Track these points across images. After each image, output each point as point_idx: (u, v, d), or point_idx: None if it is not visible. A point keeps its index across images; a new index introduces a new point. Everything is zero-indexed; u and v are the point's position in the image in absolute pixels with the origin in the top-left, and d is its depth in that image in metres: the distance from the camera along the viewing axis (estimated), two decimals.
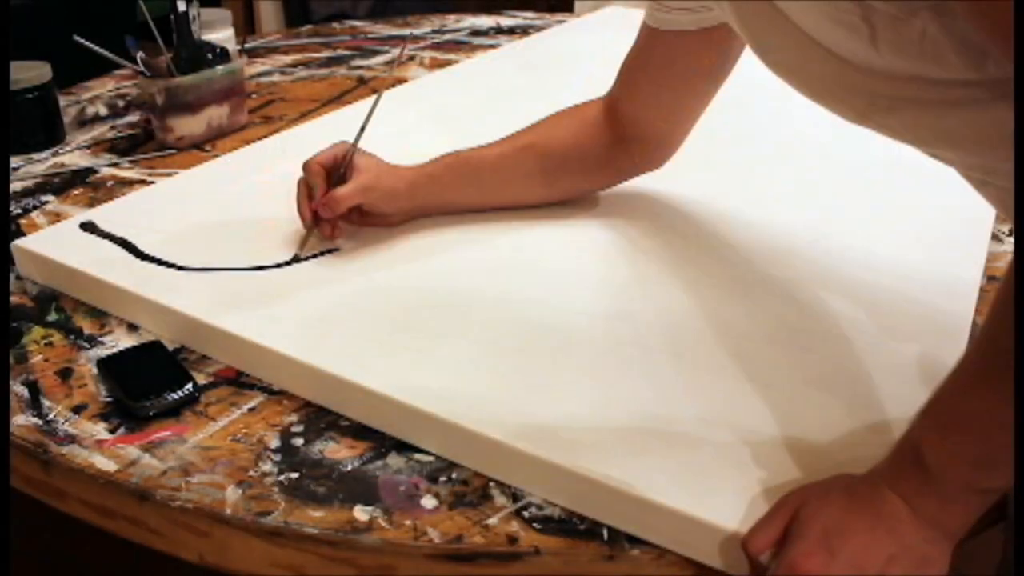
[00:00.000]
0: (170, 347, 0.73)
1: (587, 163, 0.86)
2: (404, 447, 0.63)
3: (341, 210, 0.79)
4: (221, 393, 0.69)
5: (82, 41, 1.00)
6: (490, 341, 0.70)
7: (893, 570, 0.49)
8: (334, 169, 0.80)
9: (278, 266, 0.80)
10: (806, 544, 0.50)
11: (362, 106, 1.18)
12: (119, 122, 1.18)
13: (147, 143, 1.12)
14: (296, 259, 0.80)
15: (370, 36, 1.55)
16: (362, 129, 0.82)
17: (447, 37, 1.54)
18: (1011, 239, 0.90)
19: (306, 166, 0.81)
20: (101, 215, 0.88)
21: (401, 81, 1.30)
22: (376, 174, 0.81)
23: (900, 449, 0.52)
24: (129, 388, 0.67)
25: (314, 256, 0.81)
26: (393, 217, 0.84)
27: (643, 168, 0.88)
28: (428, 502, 0.59)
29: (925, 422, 0.52)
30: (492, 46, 1.47)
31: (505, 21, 1.63)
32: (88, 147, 1.11)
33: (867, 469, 0.54)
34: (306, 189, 0.81)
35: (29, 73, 1.06)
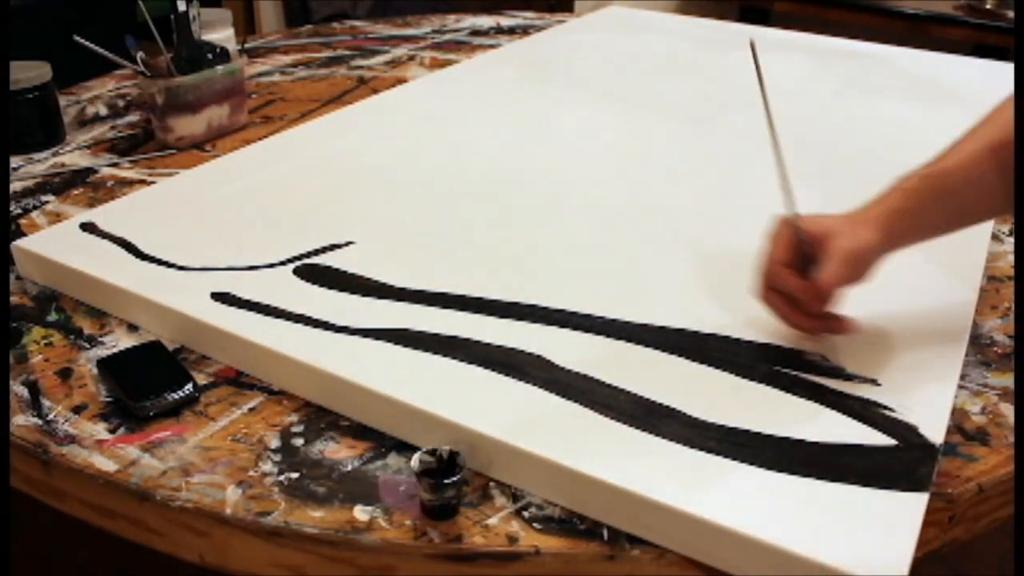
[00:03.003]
0: (170, 347, 0.73)
1: None
2: (404, 447, 0.63)
3: (833, 296, 0.66)
4: (221, 393, 0.69)
5: (82, 41, 1.00)
6: (494, 341, 0.70)
7: None
8: (795, 255, 0.67)
9: (273, 266, 0.80)
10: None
11: (362, 106, 1.19)
12: (119, 122, 1.18)
13: (147, 143, 1.12)
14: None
15: (370, 36, 1.55)
16: (788, 195, 0.67)
17: (447, 37, 1.54)
18: (1011, 239, 0.90)
19: (768, 274, 0.67)
20: (101, 215, 0.88)
21: (401, 81, 1.30)
22: (850, 235, 0.65)
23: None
24: (129, 388, 0.67)
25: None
26: (871, 270, 0.67)
27: None
28: None
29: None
30: (492, 46, 1.47)
31: (505, 21, 1.64)
32: (88, 147, 1.11)
33: (864, 468, 0.53)
34: (780, 297, 0.68)
35: (29, 73, 1.06)
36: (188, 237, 0.84)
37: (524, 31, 1.56)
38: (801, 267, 0.67)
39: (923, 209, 0.68)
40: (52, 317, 0.78)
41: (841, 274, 0.64)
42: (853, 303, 0.74)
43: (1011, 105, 0.70)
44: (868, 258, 0.66)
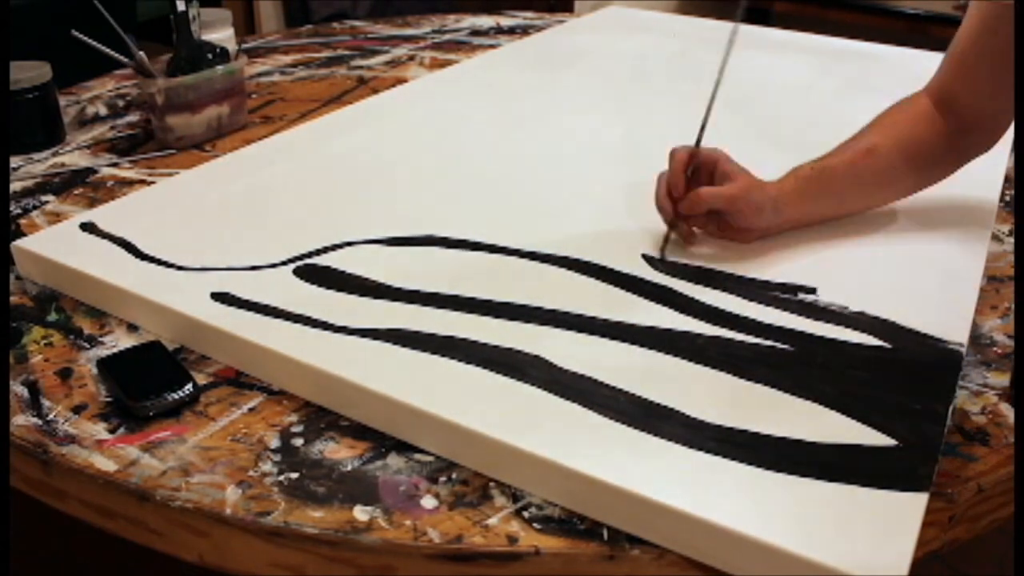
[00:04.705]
0: (170, 347, 0.73)
1: (930, 158, 0.84)
2: (404, 447, 0.63)
3: (701, 209, 0.79)
4: (221, 393, 0.69)
5: (81, 37, 1.00)
6: (493, 341, 0.70)
7: None
8: (703, 170, 0.80)
9: (273, 266, 0.80)
10: None
11: (362, 106, 1.19)
12: (119, 122, 1.18)
13: (147, 143, 1.12)
14: (662, 259, 0.79)
15: (370, 36, 1.55)
16: (702, 129, 0.80)
17: (447, 37, 1.54)
18: (1011, 239, 0.90)
19: (673, 154, 0.81)
20: (101, 215, 0.88)
21: (401, 81, 1.30)
22: (745, 186, 0.79)
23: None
24: (129, 388, 0.67)
25: (678, 264, 0.79)
26: (752, 233, 0.82)
27: (976, 154, 0.85)
28: (428, 502, 0.59)
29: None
30: (492, 46, 1.47)
31: (505, 21, 1.64)
32: (88, 147, 1.11)
33: (864, 468, 0.53)
34: (666, 184, 0.81)
35: (29, 73, 1.06)
36: (188, 237, 0.84)
37: (524, 31, 1.56)
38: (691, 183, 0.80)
39: (814, 196, 0.83)
40: (52, 317, 0.78)
41: (714, 198, 0.78)
42: (855, 302, 0.74)
43: (896, 111, 0.86)
44: (751, 204, 0.79)
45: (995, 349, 0.73)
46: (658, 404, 0.63)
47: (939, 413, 0.62)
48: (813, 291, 0.76)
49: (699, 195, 0.79)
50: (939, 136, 0.83)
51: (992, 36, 0.77)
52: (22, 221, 0.93)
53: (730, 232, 0.82)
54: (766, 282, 0.78)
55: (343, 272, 0.79)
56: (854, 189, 0.84)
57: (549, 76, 1.30)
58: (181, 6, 1.06)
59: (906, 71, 1.32)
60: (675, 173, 0.80)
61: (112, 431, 0.65)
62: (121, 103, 1.25)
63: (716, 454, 0.59)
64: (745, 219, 0.80)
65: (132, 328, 0.77)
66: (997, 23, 0.76)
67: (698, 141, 0.80)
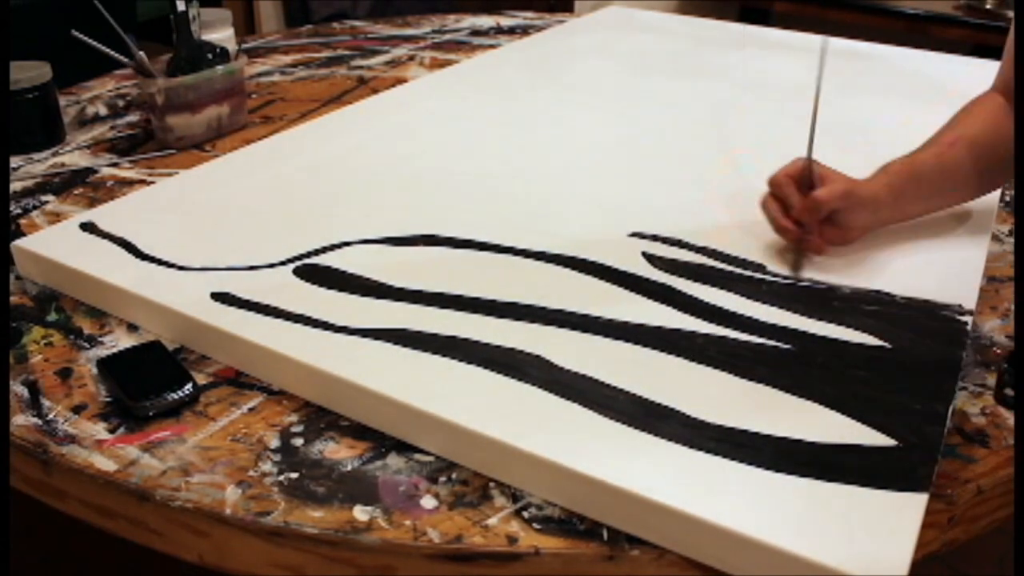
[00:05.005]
0: (170, 347, 0.73)
1: (1008, 152, 0.82)
2: (404, 447, 0.63)
3: (825, 212, 0.77)
4: (221, 393, 0.69)
5: (81, 37, 1.00)
6: (494, 341, 0.70)
7: None
8: (801, 181, 0.79)
9: (273, 266, 0.80)
10: None
11: (362, 106, 1.19)
12: (119, 122, 1.18)
13: (147, 143, 1.12)
14: (797, 280, 0.77)
15: (370, 36, 1.55)
16: (811, 140, 0.78)
17: (447, 37, 1.54)
18: (1011, 239, 0.90)
19: (773, 180, 0.80)
20: (101, 215, 0.88)
21: (401, 81, 1.30)
22: (850, 183, 0.79)
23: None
24: (129, 388, 0.67)
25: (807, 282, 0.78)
26: (854, 232, 0.81)
27: None
28: (428, 502, 0.59)
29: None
30: (492, 46, 1.48)
31: (505, 21, 1.64)
32: (88, 147, 1.11)
33: (864, 469, 0.53)
34: (777, 204, 0.80)
35: (29, 73, 1.06)
36: (188, 237, 0.84)
37: (524, 31, 1.57)
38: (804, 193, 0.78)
39: (908, 191, 0.82)
40: (52, 317, 0.78)
41: (833, 198, 0.77)
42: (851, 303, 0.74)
43: (982, 102, 0.86)
44: (861, 200, 0.79)
45: (995, 349, 0.73)
46: (658, 404, 0.63)
47: (939, 413, 0.62)
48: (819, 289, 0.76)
49: (817, 199, 0.77)
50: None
51: None
52: (22, 221, 0.93)
53: (833, 234, 0.80)
54: (773, 281, 0.78)
55: (343, 272, 0.79)
56: (943, 182, 0.83)
57: (549, 76, 1.30)
58: (181, 6, 1.06)
59: (906, 71, 1.33)
60: (791, 192, 0.78)
61: (112, 431, 0.65)
62: (121, 103, 1.25)
63: (716, 454, 0.59)
64: (856, 217, 0.79)
65: (132, 328, 0.77)
66: None
67: (809, 153, 0.79)
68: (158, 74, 1.06)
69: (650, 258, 0.81)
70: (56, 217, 0.93)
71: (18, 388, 0.70)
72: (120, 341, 0.75)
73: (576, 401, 0.63)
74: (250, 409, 0.67)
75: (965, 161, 0.82)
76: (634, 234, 0.80)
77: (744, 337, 0.71)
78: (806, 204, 0.77)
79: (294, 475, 0.61)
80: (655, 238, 0.84)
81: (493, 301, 0.75)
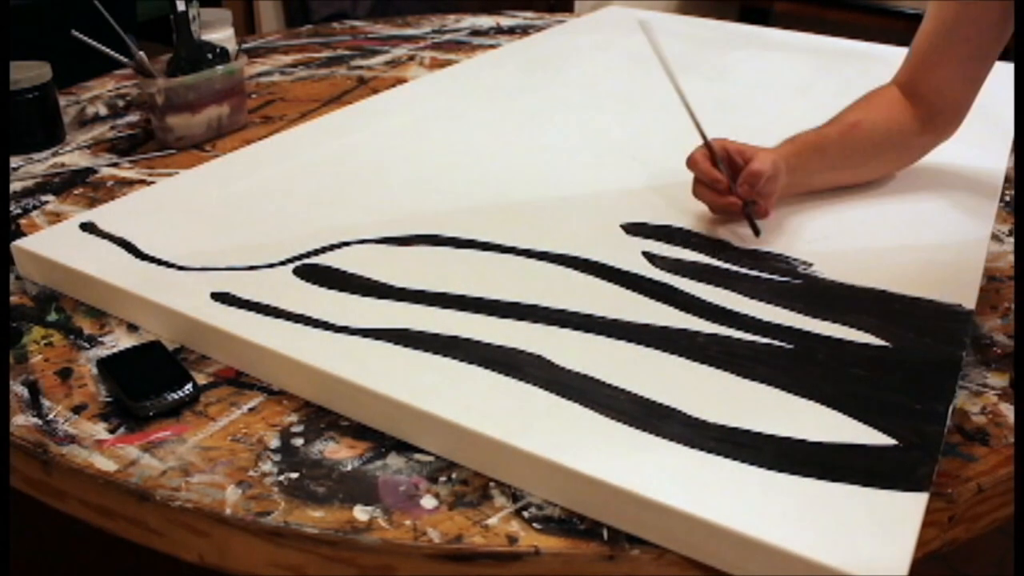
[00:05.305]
0: (170, 347, 0.73)
1: (901, 141, 0.92)
2: (404, 447, 0.63)
3: (761, 183, 0.81)
4: (221, 393, 0.69)
5: (81, 37, 1.00)
6: (494, 341, 0.70)
7: None
8: (715, 161, 0.83)
9: (273, 266, 0.80)
10: None
11: (362, 106, 1.19)
12: (119, 122, 1.18)
13: (147, 143, 1.12)
14: (757, 235, 0.83)
15: (370, 36, 1.55)
16: (696, 122, 0.84)
17: (447, 37, 1.54)
18: (1011, 239, 0.90)
19: (693, 162, 0.84)
20: (101, 215, 0.88)
21: (401, 81, 1.30)
22: (770, 153, 0.83)
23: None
24: (129, 388, 0.67)
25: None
26: (774, 199, 0.85)
27: (940, 141, 0.94)
28: (428, 502, 0.59)
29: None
30: (492, 46, 1.48)
31: (505, 21, 1.64)
32: (88, 147, 1.11)
33: (864, 468, 0.53)
34: (705, 188, 0.84)
35: (29, 73, 1.06)
36: (188, 237, 0.84)
37: (524, 31, 1.56)
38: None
39: (809, 162, 0.88)
40: (52, 317, 0.78)
41: (768, 163, 0.81)
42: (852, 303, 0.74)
43: (883, 94, 0.93)
44: (782, 169, 0.84)
45: (995, 349, 0.73)
46: (658, 403, 0.63)
47: (939, 412, 0.62)
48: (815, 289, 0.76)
49: (753, 171, 0.81)
50: (909, 122, 0.91)
51: (949, 36, 0.88)
52: (22, 221, 0.93)
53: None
54: (769, 280, 0.78)
55: (343, 272, 0.79)
56: (841, 161, 0.90)
57: (549, 76, 1.30)
58: (181, 6, 1.06)
59: None
60: (707, 171, 0.83)
61: (112, 431, 0.65)
62: (121, 103, 1.25)
63: (717, 453, 0.59)
64: (776, 185, 0.84)
65: (132, 328, 0.77)
66: (955, 24, 0.87)
67: (703, 136, 0.84)
68: (158, 74, 1.06)
69: (651, 257, 0.81)
70: (56, 217, 0.93)
71: (18, 388, 0.70)
72: (120, 341, 0.75)
73: (577, 401, 0.63)
74: (250, 409, 0.67)
75: (863, 143, 0.90)
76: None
77: (745, 336, 0.71)
78: (747, 178, 0.81)
79: (294, 475, 0.61)
80: (643, 226, 0.85)
81: (494, 301, 0.75)
